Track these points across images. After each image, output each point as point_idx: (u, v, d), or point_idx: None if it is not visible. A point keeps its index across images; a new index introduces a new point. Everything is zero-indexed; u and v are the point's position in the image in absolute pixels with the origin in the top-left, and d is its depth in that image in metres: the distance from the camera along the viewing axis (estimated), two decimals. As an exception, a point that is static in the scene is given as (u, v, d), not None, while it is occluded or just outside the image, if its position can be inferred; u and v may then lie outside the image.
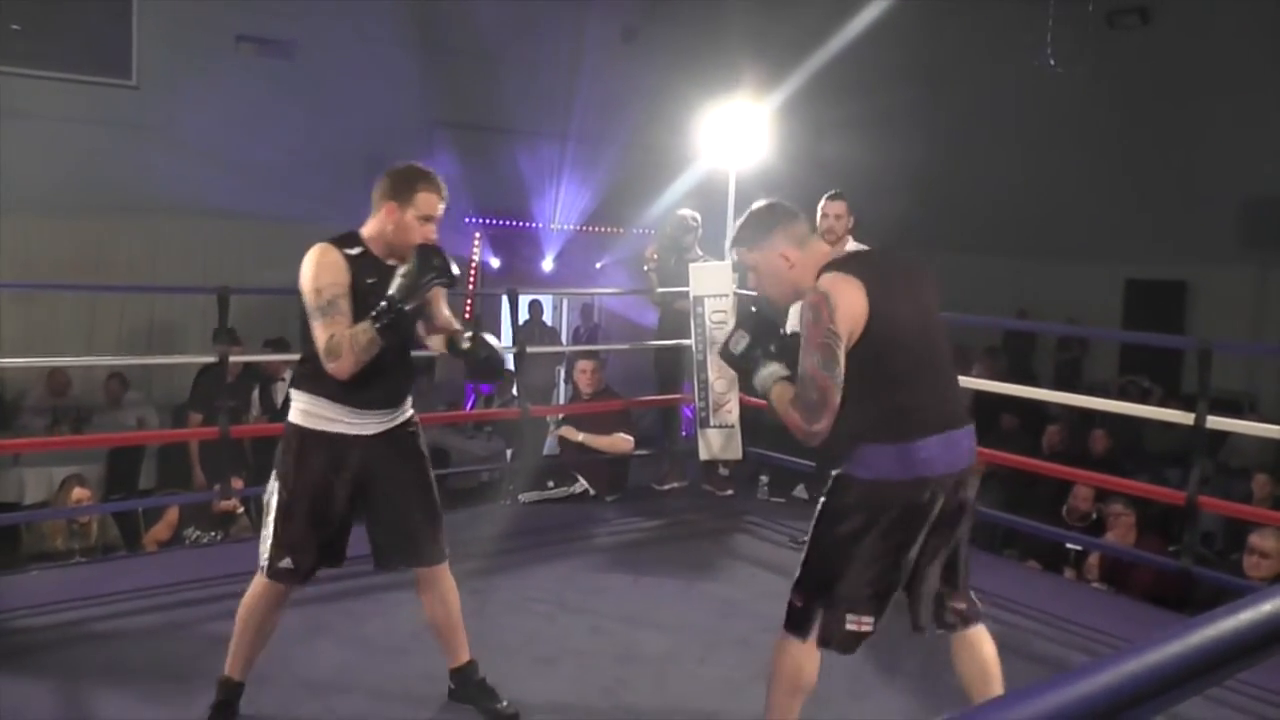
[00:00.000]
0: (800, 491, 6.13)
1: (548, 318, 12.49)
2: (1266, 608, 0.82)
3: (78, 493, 5.59)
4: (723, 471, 6.18)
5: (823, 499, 2.65)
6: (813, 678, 2.65)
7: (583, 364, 6.40)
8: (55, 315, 9.10)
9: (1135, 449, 8.42)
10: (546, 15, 11.78)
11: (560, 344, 12.13)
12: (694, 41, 11.63)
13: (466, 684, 3.24)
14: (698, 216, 6.47)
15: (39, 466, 7.23)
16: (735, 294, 5.96)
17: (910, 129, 11.63)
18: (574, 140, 12.30)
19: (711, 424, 5.98)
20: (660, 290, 6.41)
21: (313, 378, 2.91)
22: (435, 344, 3.22)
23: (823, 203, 4.91)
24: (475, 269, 12.36)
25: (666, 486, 6.29)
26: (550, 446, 6.67)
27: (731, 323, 5.92)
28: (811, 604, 2.61)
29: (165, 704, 3.25)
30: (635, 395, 6.79)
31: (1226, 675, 0.82)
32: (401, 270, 2.83)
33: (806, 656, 2.63)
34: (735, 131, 6.17)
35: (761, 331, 2.75)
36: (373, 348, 2.82)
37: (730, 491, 6.15)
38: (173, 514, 5.84)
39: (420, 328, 3.15)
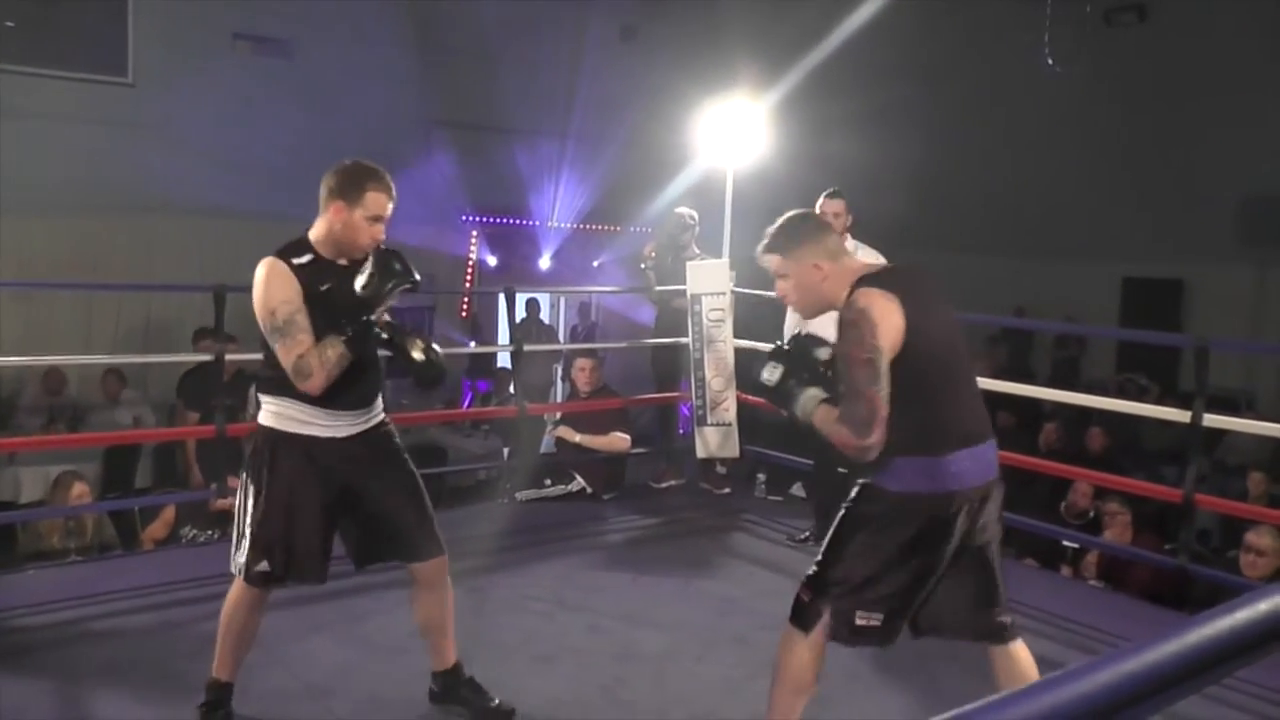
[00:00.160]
0: (797, 489, 6.14)
1: (545, 316, 12.49)
2: (1263, 606, 0.82)
3: (78, 488, 5.58)
4: (720, 469, 6.18)
5: (847, 505, 2.65)
6: (814, 675, 2.65)
7: (581, 362, 6.40)
8: (52, 314, 9.09)
9: (1132, 447, 8.43)
10: (545, 14, 11.78)
11: (558, 342, 12.13)
12: (692, 40, 11.63)
13: (455, 684, 3.19)
14: (695, 215, 6.47)
15: (35, 465, 7.21)
16: (732, 292, 5.96)
17: (908, 127, 11.64)
18: (572, 139, 12.30)
19: (709, 422, 5.98)
20: (658, 288, 6.41)
21: (281, 382, 2.85)
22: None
23: (821, 201, 4.90)
24: (472, 267, 12.35)
25: (664, 484, 6.29)
26: (548, 445, 6.67)
27: (729, 321, 5.94)
28: (821, 601, 2.60)
29: (163, 703, 3.25)
30: (633, 393, 6.79)
31: (1225, 674, 0.81)
32: (362, 281, 2.79)
33: (809, 653, 2.63)
34: (733, 130, 6.16)
35: (793, 359, 2.73)
36: (343, 363, 2.79)
37: (728, 489, 6.15)
38: (170, 512, 5.83)
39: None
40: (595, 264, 13.05)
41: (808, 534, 5.23)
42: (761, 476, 6.22)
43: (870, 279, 2.60)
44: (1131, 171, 10.93)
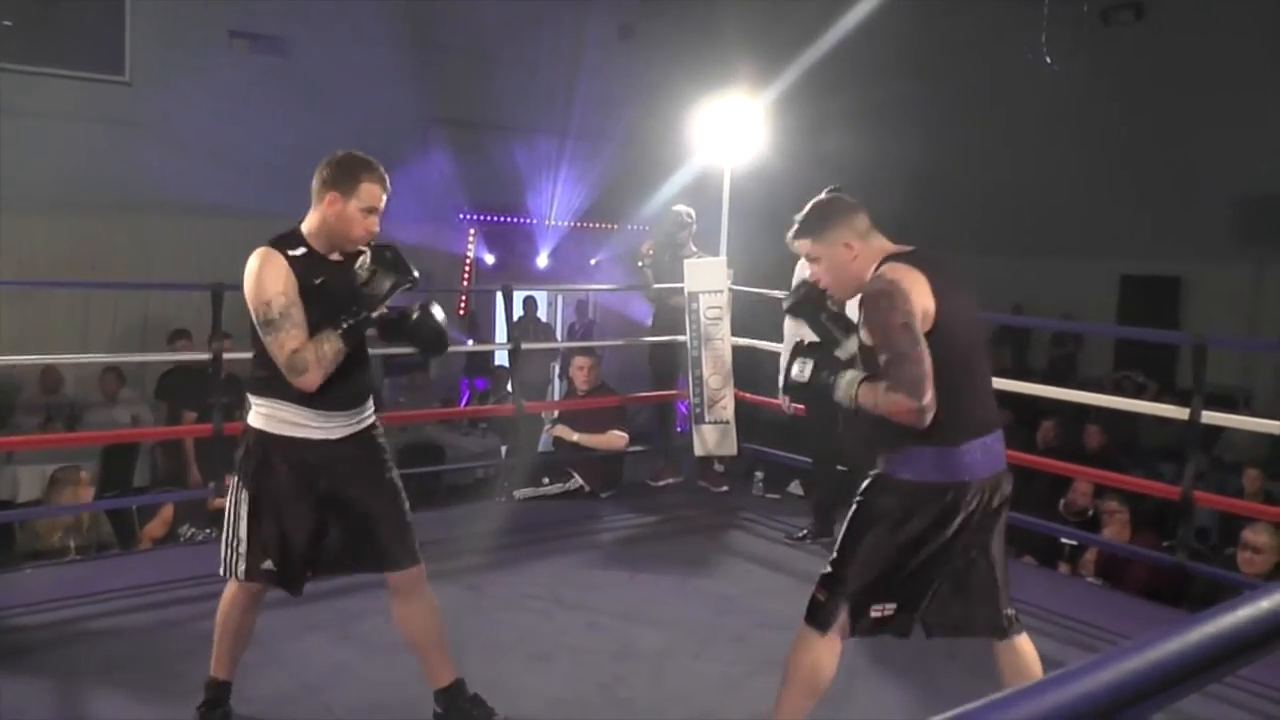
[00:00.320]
0: (795, 487, 6.14)
1: (543, 314, 12.48)
2: (1265, 604, 0.82)
3: (83, 476, 5.60)
4: (718, 467, 6.18)
5: (860, 498, 2.65)
6: (830, 677, 2.64)
7: (579, 360, 6.40)
8: (49, 312, 9.07)
9: (1130, 444, 8.44)
10: (543, 12, 11.77)
11: (555, 340, 12.12)
12: (690, 38, 11.62)
13: (456, 703, 3.06)
14: (692, 213, 6.47)
15: (32, 465, 7.20)
16: (730, 290, 5.96)
17: (906, 125, 11.65)
18: (569, 137, 12.29)
19: (706, 420, 5.97)
20: (655, 286, 6.41)
21: (272, 382, 2.80)
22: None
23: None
24: (470, 265, 12.34)
25: (661, 482, 6.29)
26: (545, 444, 6.67)
27: (727, 319, 5.93)
28: (836, 598, 2.60)
29: (161, 702, 3.24)
30: (630, 391, 6.78)
31: (1227, 672, 0.81)
32: (363, 277, 2.76)
33: (826, 653, 2.62)
34: (730, 128, 6.16)
35: (819, 353, 2.73)
36: (339, 358, 2.75)
37: (725, 487, 6.15)
38: (168, 511, 5.82)
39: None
40: (593, 262, 13.04)
41: (805, 532, 5.24)
42: (759, 474, 6.22)
43: (898, 257, 2.60)
44: (1129, 169, 10.94)
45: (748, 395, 6.13)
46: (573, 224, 12.88)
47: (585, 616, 4.14)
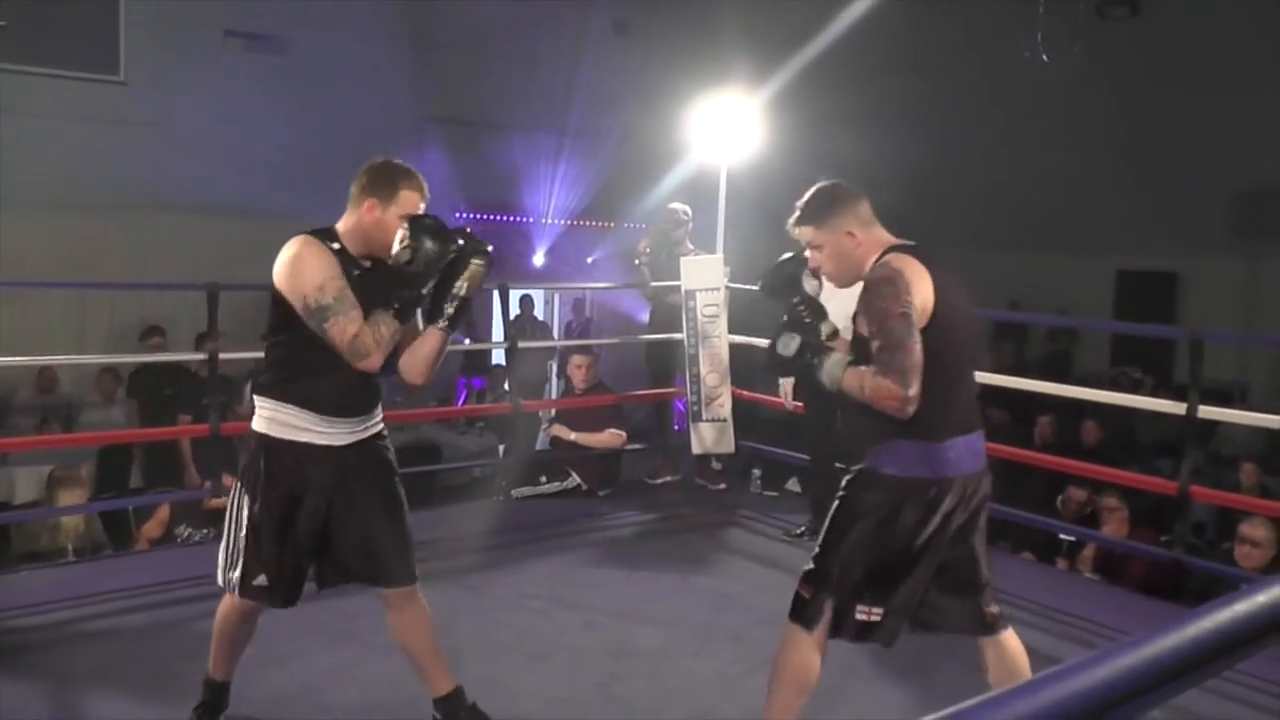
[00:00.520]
0: (793, 485, 6.14)
1: (539, 312, 12.47)
2: (1261, 599, 0.82)
3: (81, 481, 5.61)
4: (715, 465, 6.18)
5: (842, 492, 2.65)
6: (817, 674, 2.64)
7: (577, 359, 6.40)
8: (45, 313, 9.05)
9: (1127, 440, 8.45)
10: (537, 10, 11.75)
11: (552, 339, 12.11)
12: (686, 34, 11.60)
13: (456, 713, 3.01)
14: (688, 210, 6.46)
15: (29, 466, 7.19)
16: (727, 287, 5.96)
17: (902, 122, 11.64)
18: (565, 134, 12.28)
19: (704, 418, 5.97)
20: (652, 284, 6.40)
21: (279, 384, 2.77)
22: (434, 340, 2.90)
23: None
24: (466, 264, 12.31)
25: (659, 481, 6.29)
26: (542, 442, 6.67)
27: (724, 316, 5.93)
28: (821, 595, 2.59)
29: (159, 703, 3.23)
30: (627, 390, 6.78)
31: (1223, 667, 0.81)
32: (404, 257, 2.67)
33: (812, 651, 2.62)
34: (727, 125, 6.16)
35: (807, 329, 2.70)
36: (396, 339, 2.73)
37: (723, 485, 6.14)
38: (164, 511, 5.82)
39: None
40: (589, 260, 13.03)
41: (803, 529, 5.23)
42: (757, 472, 6.22)
43: (901, 248, 2.60)
44: (1125, 165, 10.95)
45: (745, 393, 6.13)
46: (569, 222, 12.86)
47: (583, 615, 4.14)
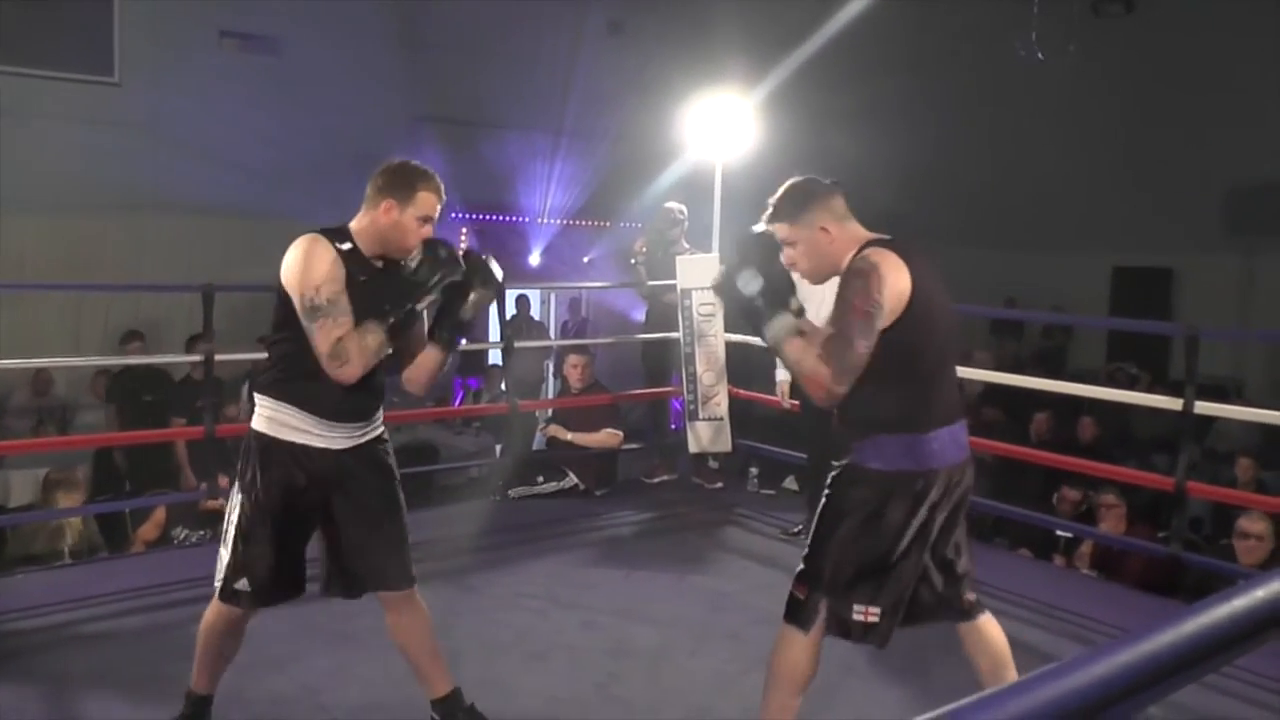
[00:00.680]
0: (790, 483, 6.14)
1: (536, 312, 12.46)
2: (1260, 594, 0.82)
3: (78, 483, 5.61)
4: (712, 464, 6.18)
5: (828, 489, 2.64)
6: (812, 674, 2.64)
7: (573, 359, 6.39)
8: (40, 314, 9.03)
9: (1123, 436, 8.45)
10: (531, 8, 11.74)
11: (548, 339, 12.10)
12: (681, 33, 11.60)
13: (454, 714, 2.99)
14: (684, 209, 6.46)
15: (24, 469, 7.17)
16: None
17: (898, 121, 11.64)
18: (560, 133, 12.27)
19: (700, 416, 5.97)
20: (649, 283, 6.40)
21: (280, 383, 2.73)
22: (430, 359, 2.91)
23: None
24: (462, 264, 12.30)
25: (656, 480, 6.28)
26: (539, 442, 6.66)
27: (720, 315, 5.92)
28: (815, 595, 2.59)
29: (156, 705, 3.21)
30: (624, 389, 6.78)
31: (1222, 663, 0.81)
32: (409, 268, 2.71)
33: (807, 652, 2.61)
34: (722, 124, 6.15)
35: (774, 275, 2.63)
36: (381, 352, 2.70)
37: (720, 484, 6.14)
38: (160, 514, 5.81)
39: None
40: (585, 260, 13.02)
41: (800, 528, 5.23)
42: (754, 471, 6.22)
43: (879, 242, 2.59)
44: (1120, 162, 10.96)
45: (741, 391, 6.12)
46: (565, 222, 12.85)
47: (581, 615, 4.14)
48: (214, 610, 2.86)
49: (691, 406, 6.00)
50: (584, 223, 12.94)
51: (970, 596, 2.73)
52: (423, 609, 2.94)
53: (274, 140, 9.48)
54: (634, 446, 6.46)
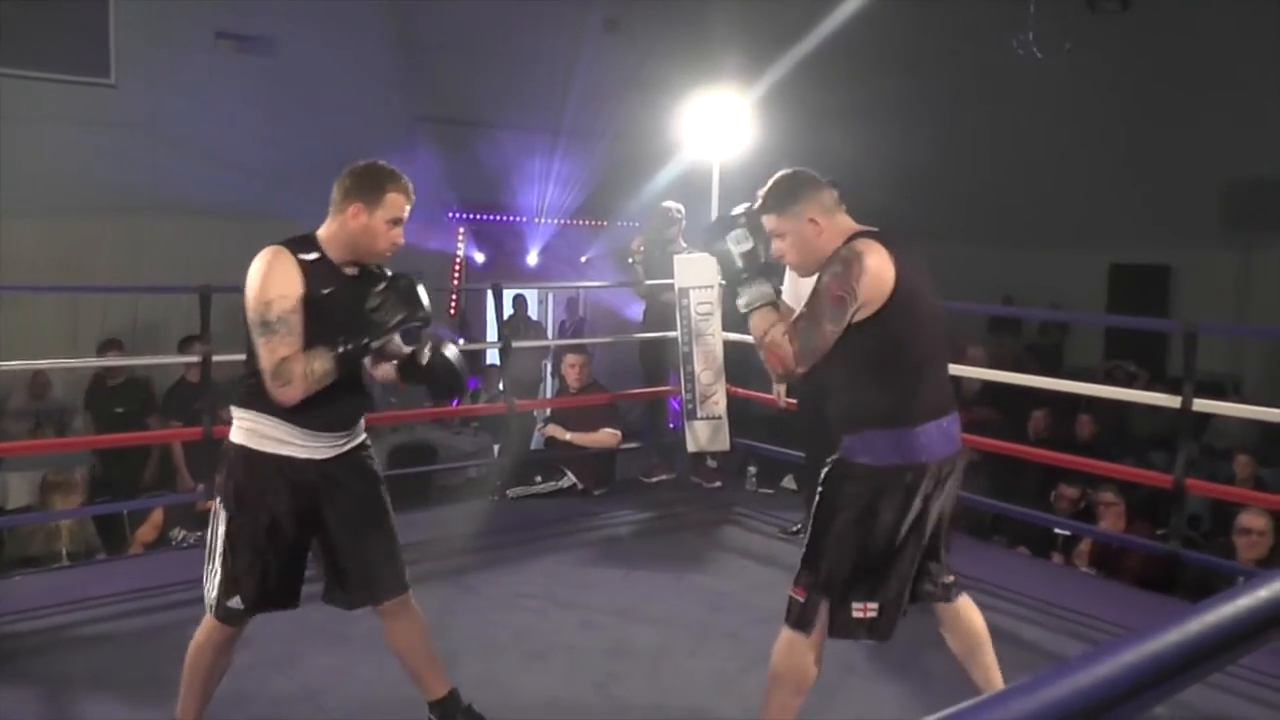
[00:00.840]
0: (789, 482, 6.13)
1: (533, 312, 12.46)
2: (1264, 593, 0.82)
3: (76, 485, 5.60)
4: (711, 463, 6.17)
5: (821, 487, 2.64)
6: (815, 675, 2.64)
7: (571, 358, 6.39)
8: (37, 317, 9.02)
9: (1121, 433, 8.46)
10: (527, 8, 11.73)
11: (546, 338, 12.10)
12: (677, 30, 11.58)
13: (452, 715, 2.96)
14: (681, 208, 6.46)
15: (22, 471, 7.16)
16: (720, 285, 5.95)
17: (895, 119, 11.64)
18: (558, 133, 12.26)
19: (698, 416, 5.96)
20: (646, 283, 6.39)
21: (261, 394, 2.63)
22: (383, 373, 2.94)
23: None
24: (460, 264, 12.32)
25: (654, 479, 6.28)
26: (537, 441, 6.66)
27: (718, 314, 5.92)
28: (815, 596, 2.58)
29: (155, 707, 3.21)
30: (622, 388, 6.77)
31: (1227, 662, 0.81)
32: (373, 303, 2.63)
33: (809, 655, 2.61)
34: (719, 122, 6.15)
35: (764, 245, 2.65)
36: (326, 380, 2.60)
37: (718, 483, 6.14)
38: (158, 515, 5.80)
39: (367, 360, 2.85)
40: (583, 259, 13.02)
41: (799, 526, 5.22)
42: (752, 470, 6.21)
43: (866, 234, 2.60)
44: (1117, 159, 10.97)
45: (740, 390, 6.12)
46: (562, 221, 12.85)
47: (580, 615, 4.13)
48: (206, 630, 2.80)
49: (689, 406, 6.00)
50: (581, 222, 12.94)
51: (948, 579, 2.75)
52: (418, 614, 2.91)
53: (271, 141, 9.46)
54: (632, 446, 6.46)
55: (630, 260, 6.52)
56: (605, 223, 12.77)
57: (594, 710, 3.35)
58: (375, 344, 2.68)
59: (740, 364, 6.20)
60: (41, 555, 5.34)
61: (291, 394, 2.59)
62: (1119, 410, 8.25)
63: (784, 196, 2.65)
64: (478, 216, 12.39)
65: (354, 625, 3.80)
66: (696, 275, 5.95)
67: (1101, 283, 11.90)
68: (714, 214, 6.33)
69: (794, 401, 5.29)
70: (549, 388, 10.84)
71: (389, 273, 2.81)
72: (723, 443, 5.98)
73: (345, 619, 3.83)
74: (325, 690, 3.39)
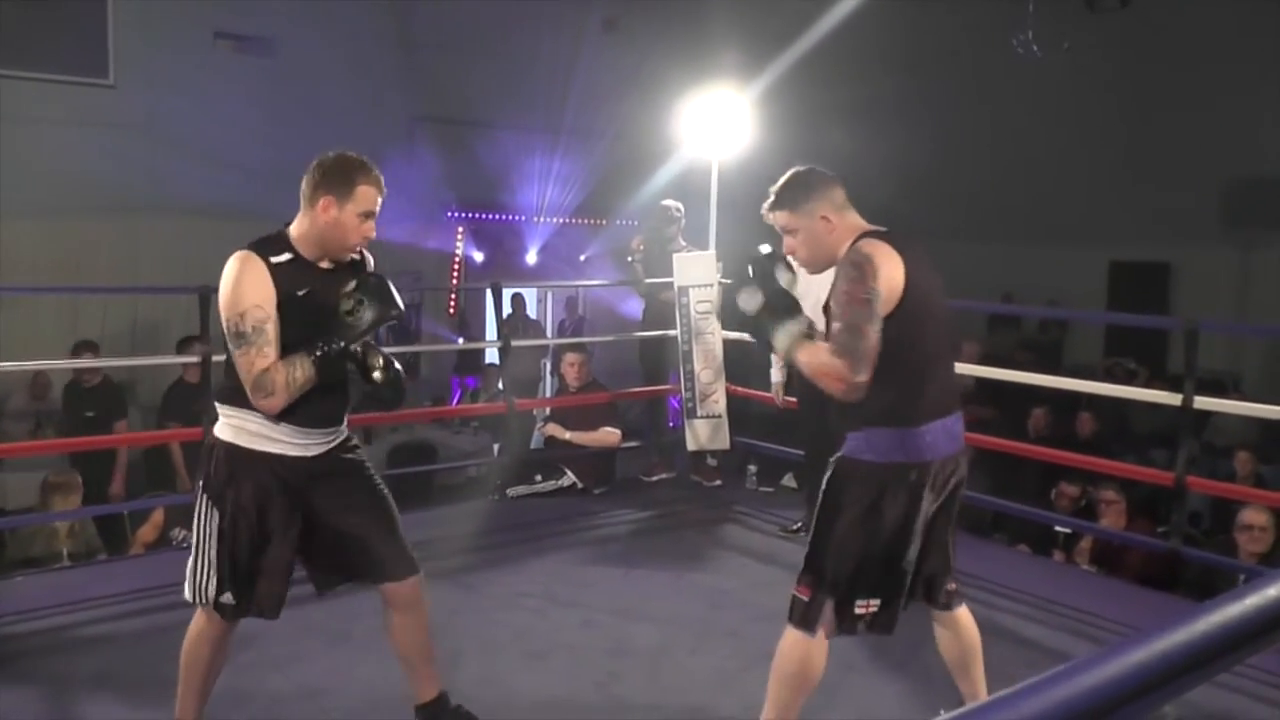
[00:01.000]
0: (788, 480, 6.13)
1: (532, 311, 12.46)
2: (1272, 592, 0.81)
3: (76, 486, 5.60)
4: (711, 462, 6.17)
5: (825, 484, 2.64)
6: (819, 674, 2.64)
7: (570, 357, 6.38)
8: (36, 317, 9.02)
9: (1121, 431, 8.45)
10: (527, 8, 11.73)
11: (545, 337, 12.10)
12: (675, 29, 11.59)
13: (439, 717, 2.96)
14: (680, 207, 6.45)
15: (22, 472, 7.16)
16: (720, 284, 5.94)
17: (895, 117, 11.63)
18: (556, 132, 12.26)
19: (698, 414, 5.96)
20: (645, 281, 6.39)
21: (242, 391, 2.60)
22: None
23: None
24: (459, 263, 12.32)
25: (654, 478, 6.28)
26: (537, 441, 6.65)
27: (717, 311, 5.91)
28: (820, 595, 2.59)
29: (156, 708, 3.21)
30: (621, 387, 6.77)
31: (1234, 661, 0.80)
32: (347, 306, 2.59)
33: (816, 652, 2.61)
34: (718, 121, 6.15)
35: (773, 289, 2.64)
36: (309, 385, 2.58)
37: (718, 482, 6.13)
38: (159, 515, 5.80)
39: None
40: (582, 258, 13.02)
41: (799, 525, 5.22)
42: (752, 468, 6.21)
43: (874, 234, 2.60)
44: (1117, 156, 10.96)
45: (739, 389, 6.12)
46: (561, 220, 12.85)
47: (580, 614, 4.13)
48: (199, 623, 2.79)
49: (689, 404, 5.99)
50: (580, 221, 12.95)
51: (951, 586, 2.75)
52: (425, 612, 2.90)
53: (270, 141, 9.45)
54: (632, 445, 6.45)
55: (629, 259, 6.51)
56: (604, 221, 12.77)
57: (594, 709, 3.34)
58: (353, 347, 2.66)
59: (740, 362, 6.19)
60: (42, 556, 5.33)
61: (274, 404, 2.57)
62: (1119, 408, 8.25)
63: (797, 193, 2.66)
64: (477, 215, 12.39)
65: (355, 624, 3.81)
66: (695, 274, 5.95)
67: (1101, 280, 11.89)
68: (713, 212, 6.33)
69: (794, 400, 5.29)
70: (548, 387, 10.85)
71: (368, 259, 2.80)
72: (722, 441, 5.98)
73: (347, 618, 3.84)
74: (325, 690, 3.39)
